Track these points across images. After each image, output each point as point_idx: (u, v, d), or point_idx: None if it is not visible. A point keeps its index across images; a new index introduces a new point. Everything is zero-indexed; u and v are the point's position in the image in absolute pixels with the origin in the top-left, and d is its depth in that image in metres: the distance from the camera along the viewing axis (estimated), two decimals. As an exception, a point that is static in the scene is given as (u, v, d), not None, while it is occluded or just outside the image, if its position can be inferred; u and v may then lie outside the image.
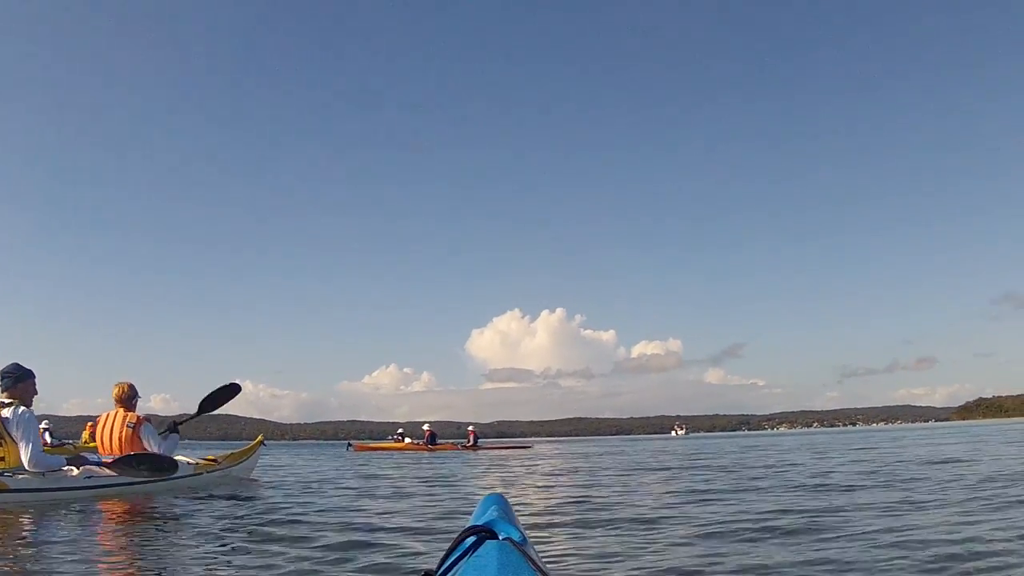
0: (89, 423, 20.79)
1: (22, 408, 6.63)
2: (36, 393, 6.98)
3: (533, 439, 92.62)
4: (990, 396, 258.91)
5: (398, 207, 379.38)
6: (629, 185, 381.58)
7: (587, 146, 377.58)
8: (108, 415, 7.94)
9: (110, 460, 7.49)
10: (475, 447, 31.77)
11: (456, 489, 9.08)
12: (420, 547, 4.18)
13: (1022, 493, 6.31)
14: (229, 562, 3.83)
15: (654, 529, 5.01)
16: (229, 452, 10.42)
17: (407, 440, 32.55)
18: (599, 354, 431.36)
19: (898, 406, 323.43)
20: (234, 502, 7.24)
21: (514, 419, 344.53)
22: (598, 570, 3.62)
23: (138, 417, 7.86)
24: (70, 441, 18.28)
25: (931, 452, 14.91)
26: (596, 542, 4.50)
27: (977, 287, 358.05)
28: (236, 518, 5.87)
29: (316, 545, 4.28)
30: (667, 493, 7.87)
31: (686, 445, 32.80)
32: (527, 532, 1.66)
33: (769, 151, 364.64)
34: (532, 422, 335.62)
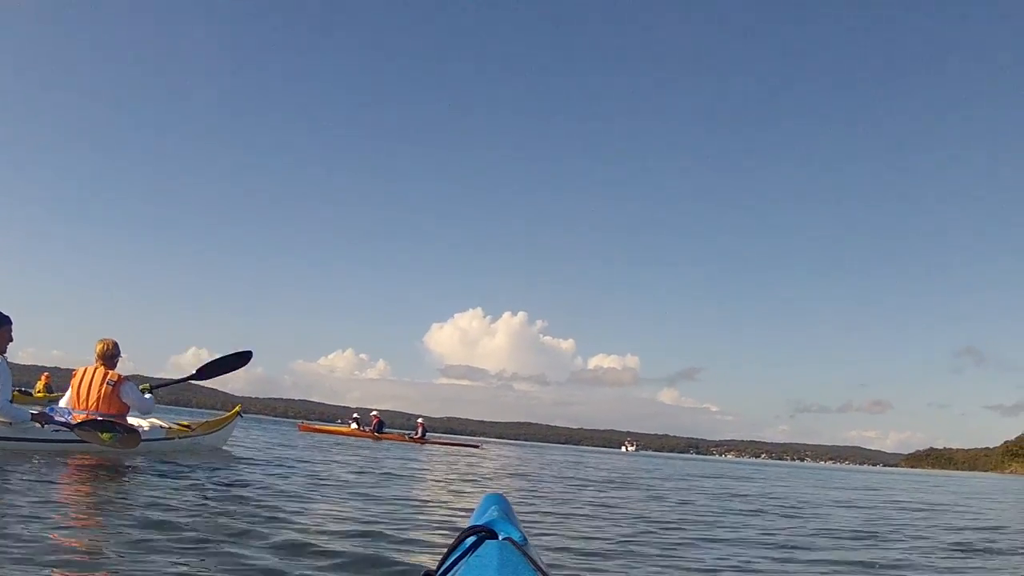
0: (45, 374, 20.52)
1: None
2: (11, 340, 6.90)
3: (481, 439, 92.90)
4: (941, 447, 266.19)
5: (371, 195, 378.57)
6: (603, 198, 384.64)
7: (568, 154, 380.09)
8: (87, 369, 7.84)
9: (82, 415, 7.48)
10: (422, 440, 31.63)
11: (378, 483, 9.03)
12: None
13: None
14: (183, 535, 3.81)
15: (654, 534, 5.19)
16: (204, 420, 10.37)
17: (354, 426, 32.32)
18: (556, 362, 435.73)
19: (848, 447, 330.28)
20: (202, 472, 7.21)
21: (465, 417, 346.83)
22: (598, 570, 3.72)
23: (119, 376, 7.81)
24: (24, 388, 18.10)
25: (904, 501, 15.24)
26: (596, 542, 4.64)
27: (939, 338, 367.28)
28: (200, 488, 5.87)
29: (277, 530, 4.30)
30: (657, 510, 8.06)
31: (653, 465, 33.05)
32: (527, 532, 1.71)
33: (738, 183, 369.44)
34: (482, 421, 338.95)
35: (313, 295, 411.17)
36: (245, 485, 6.53)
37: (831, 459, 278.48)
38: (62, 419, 7.40)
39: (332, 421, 35.67)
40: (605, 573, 3.72)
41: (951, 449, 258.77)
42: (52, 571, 2.83)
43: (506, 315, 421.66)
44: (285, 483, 7.22)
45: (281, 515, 4.89)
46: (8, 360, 6.87)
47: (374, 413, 32.49)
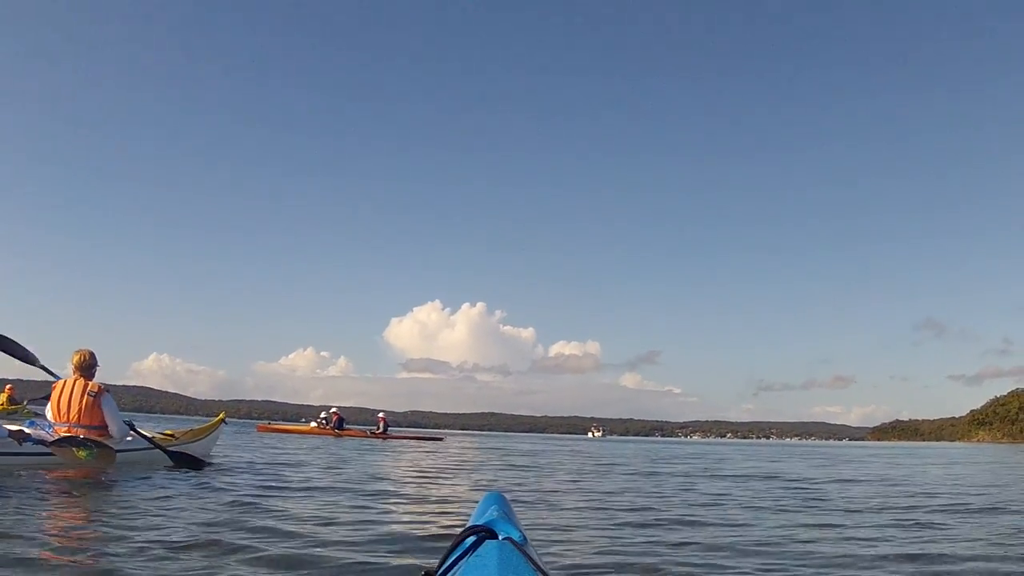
0: (9, 386, 20.01)
1: None
2: None
3: (446, 431, 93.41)
4: (906, 419, 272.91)
5: (322, 193, 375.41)
6: (557, 187, 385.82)
7: (519, 144, 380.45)
8: (66, 382, 7.80)
9: (64, 428, 7.51)
10: (384, 435, 31.55)
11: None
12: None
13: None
14: (173, 550, 3.82)
15: (653, 530, 5.28)
16: (188, 428, 10.30)
17: (313, 424, 32.15)
18: (517, 351, 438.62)
19: (813, 423, 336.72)
20: (187, 481, 7.27)
21: (428, 410, 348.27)
22: (598, 570, 3.81)
23: (99, 387, 7.78)
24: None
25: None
26: (596, 542, 4.71)
27: (899, 311, 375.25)
28: (187, 497, 5.93)
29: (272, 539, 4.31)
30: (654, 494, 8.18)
31: (629, 450, 33.40)
32: (527, 532, 1.76)
33: (691, 166, 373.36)
34: (446, 414, 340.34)
35: (270, 296, 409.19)
36: (232, 491, 6.58)
37: (797, 436, 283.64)
38: (40, 435, 7.40)
39: (296, 420, 35.47)
40: (605, 573, 3.80)
41: (917, 420, 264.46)
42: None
43: (465, 306, 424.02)
44: (269, 487, 7.29)
45: (272, 519, 4.95)
46: None
47: (334, 410, 32.35)
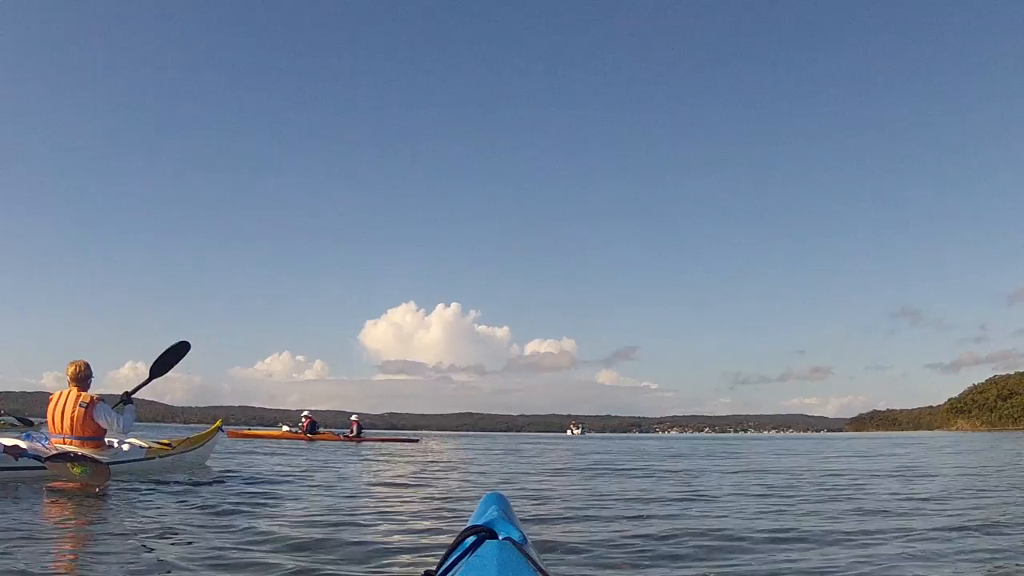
0: None
1: None
2: None
3: (423, 432, 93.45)
4: (884, 409, 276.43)
5: (293, 197, 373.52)
6: (529, 185, 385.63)
7: (488, 143, 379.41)
8: (61, 394, 7.91)
9: (59, 440, 7.66)
10: (358, 438, 31.49)
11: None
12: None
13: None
14: (176, 559, 3.86)
15: (652, 530, 5.36)
16: (185, 437, 10.36)
17: (285, 428, 32.00)
18: (492, 350, 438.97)
19: (791, 415, 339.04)
20: (185, 490, 7.39)
21: (405, 411, 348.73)
22: (598, 570, 3.86)
23: (91, 397, 7.88)
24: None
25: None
26: (596, 542, 4.76)
27: (874, 301, 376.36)
28: (186, 507, 5.99)
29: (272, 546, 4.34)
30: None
31: (614, 447, 33.55)
32: (527, 532, 1.80)
33: (662, 161, 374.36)
34: (423, 415, 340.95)
35: (245, 301, 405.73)
36: (223, 499, 6.68)
37: (774, 428, 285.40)
38: (37, 449, 7.49)
39: (274, 425, 35.27)
40: (605, 572, 3.86)
41: (895, 410, 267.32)
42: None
43: (439, 307, 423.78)
44: (259, 493, 7.42)
45: (266, 524, 5.04)
46: None
47: (305, 414, 32.19)
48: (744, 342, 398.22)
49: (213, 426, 11.02)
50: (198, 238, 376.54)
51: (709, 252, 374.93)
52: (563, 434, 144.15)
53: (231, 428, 33.49)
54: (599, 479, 11.03)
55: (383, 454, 19.78)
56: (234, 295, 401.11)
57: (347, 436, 31.52)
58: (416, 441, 35.01)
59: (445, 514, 6.19)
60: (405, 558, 3.92)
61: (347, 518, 5.68)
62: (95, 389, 8.11)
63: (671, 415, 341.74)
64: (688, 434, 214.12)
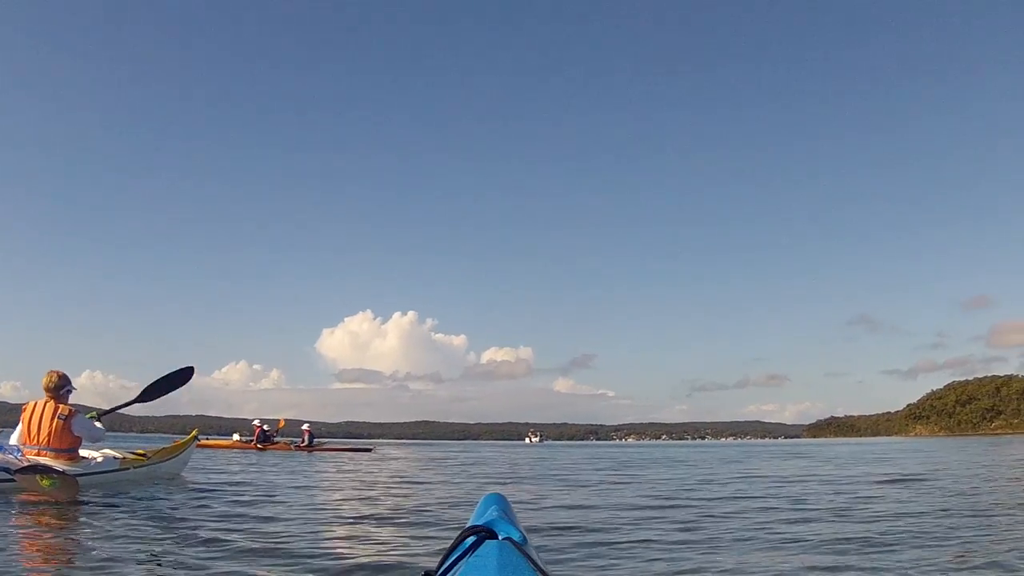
0: None
1: None
2: None
3: (379, 441, 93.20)
4: (842, 415, 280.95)
5: (249, 205, 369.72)
6: (483, 193, 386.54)
7: (443, 151, 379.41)
8: (36, 404, 7.87)
9: (34, 451, 7.63)
10: (309, 447, 31.24)
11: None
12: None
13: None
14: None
15: (652, 531, 5.47)
16: (160, 447, 10.32)
17: (236, 437, 31.62)
18: (449, 358, 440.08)
19: (748, 422, 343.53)
20: (164, 500, 7.44)
21: (362, 420, 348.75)
22: (598, 570, 3.93)
23: (70, 409, 7.88)
24: None
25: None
26: (595, 542, 4.86)
27: (830, 308, 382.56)
28: (167, 519, 6.02)
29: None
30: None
31: (572, 454, 33.65)
32: (527, 532, 1.85)
33: (624, 166, 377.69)
34: (380, 423, 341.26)
35: (202, 308, 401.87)
36: (213, 508, 6.77)
37: (732, 435, 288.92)
38: (7, 461, 7.41)
39: (230, 435, 34.85)
40: (605, 572, 3.93)
41: (853, 416, 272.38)
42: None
43: (396, 315, 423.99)
44: (246, 501, 7.59)
45: (261, 530, 5.14)
46: None
47: (256, 423, 31.79)
48: (701, 349, 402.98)
49: (189, 436, 11.08)
50: (155, 246, 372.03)
51: (666, 260, 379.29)
52: (521, 442, 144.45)
53: (181, 439, 32.91)
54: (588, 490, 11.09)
55: (333, 464, 19.67)
56: (191, 303, 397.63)
57: (298, 445, 31.26)
58: (370, 450, 34.77)
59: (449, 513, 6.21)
60: (405, 558, 3.98)
61: (301, 529, 5.67)
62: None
63: (628, 423, 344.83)
64: (646, 441, 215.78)
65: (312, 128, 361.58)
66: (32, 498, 6.98)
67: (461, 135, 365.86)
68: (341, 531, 5.75)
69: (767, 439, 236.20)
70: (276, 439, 32.24)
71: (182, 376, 9.32)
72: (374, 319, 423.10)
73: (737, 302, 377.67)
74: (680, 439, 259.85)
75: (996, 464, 17.57)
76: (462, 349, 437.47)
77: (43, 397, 7.90)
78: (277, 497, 8.72)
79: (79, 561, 4.01)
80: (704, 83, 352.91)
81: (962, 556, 4.54)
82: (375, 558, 4.15)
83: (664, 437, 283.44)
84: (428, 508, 7.48)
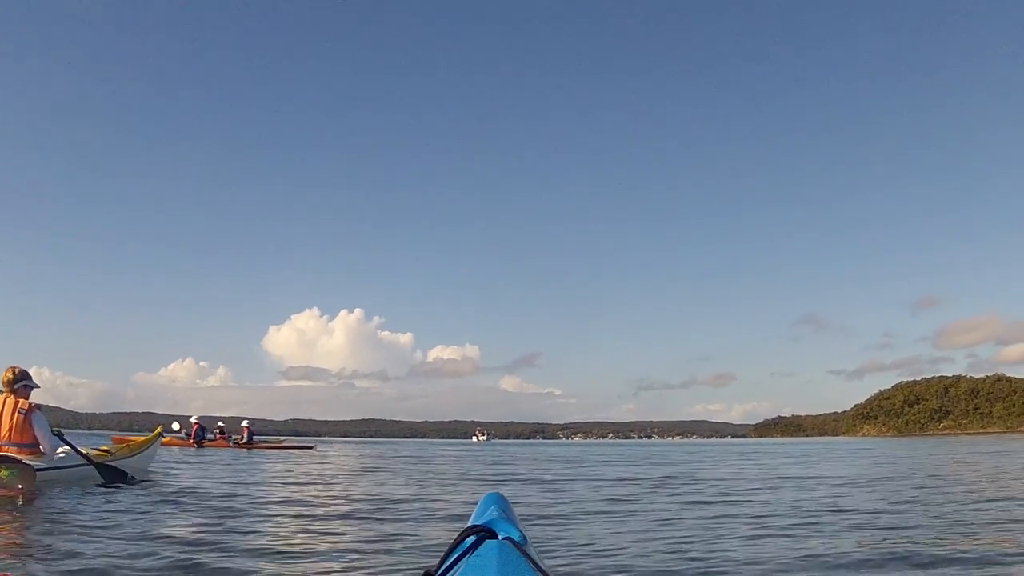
0: None
1: None
2: None
3: (326, 439, 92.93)
4: (788, 415, 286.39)
5: (196, 200, 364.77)
6: (429, 189, 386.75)
7: (390, 148, 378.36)
8: None
9: None
10: (249, 444, 31.05)
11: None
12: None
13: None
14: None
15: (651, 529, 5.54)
16: (124, 443, 10.44)
17: (170, 435, 31.10)
18: (396, 356, 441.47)
19: (694, 421, 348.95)
20: (133, 496, 7.53)
21: (308, 418, 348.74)
22: (598, 570, 3.95)
23: (30, 404, 7.99)
24: None
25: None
26: (595, 542, 4.90)
27: (777, 308, 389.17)
28: (145, 516, 6.04)
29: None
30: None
31: (533, 454, 33.76)
32: (527, 532, 1.85)
33: (564, 165, 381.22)
34: (326, 421, 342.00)
35: (149, 305, 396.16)
36: (181, 506, 6.87)
37: (678, 434, 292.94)
38: None
39: (169, 431, 34.31)
40: (605, 572, 3.96)
41: (799, 416, 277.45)
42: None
43: (342, 313, 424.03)
44: (223, 496, 7.83)
45: (248, 527, 5.22)
46: None
47: (194, 420, 31.42)
48: (648, 349, 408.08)
49: (154, 432, 11.17)
50: (100, 241, 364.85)
51: (613, 259, 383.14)
52: (468, 440, 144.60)
53: (118, 435, 32.56)
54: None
55: (273, 462, 19.54)
56: (137, 299, 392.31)
57: (237, 443, 31.04)
58: (311, 448, 34.52)
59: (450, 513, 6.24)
60: (405, 558, 4.01)
61: (331, 521, 5.72)
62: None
63: (575, 421, 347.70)
64: (592, 440, 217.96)
65: (259, 124, 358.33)
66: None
67: (403, 130, 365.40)
68: (294, 526, 5.71)
69: (714, 438, 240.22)
70: (211, 436, 31.96)
71: (121, 477, 9.17)
72: (321, 316, 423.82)
73: (684, 301, 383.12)
74: (627, 438, 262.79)
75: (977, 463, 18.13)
76: (408, 347, 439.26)
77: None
78: (230, 495, 8.67)
79: (33, 556, 3.99)
80: (644, 79, 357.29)
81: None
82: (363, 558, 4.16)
83: (611, 436, 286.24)
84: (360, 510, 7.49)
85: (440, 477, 13.50)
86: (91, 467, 8.80)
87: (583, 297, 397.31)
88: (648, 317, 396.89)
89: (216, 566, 3.94)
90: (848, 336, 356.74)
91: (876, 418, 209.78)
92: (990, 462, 18.48)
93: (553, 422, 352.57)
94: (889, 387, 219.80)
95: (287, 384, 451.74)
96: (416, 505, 7.71)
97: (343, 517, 6.75)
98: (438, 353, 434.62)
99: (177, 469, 13.84)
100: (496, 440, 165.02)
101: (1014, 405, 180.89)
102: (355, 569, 3.74)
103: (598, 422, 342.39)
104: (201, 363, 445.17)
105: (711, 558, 4.53)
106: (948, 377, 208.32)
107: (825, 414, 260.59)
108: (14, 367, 8.10)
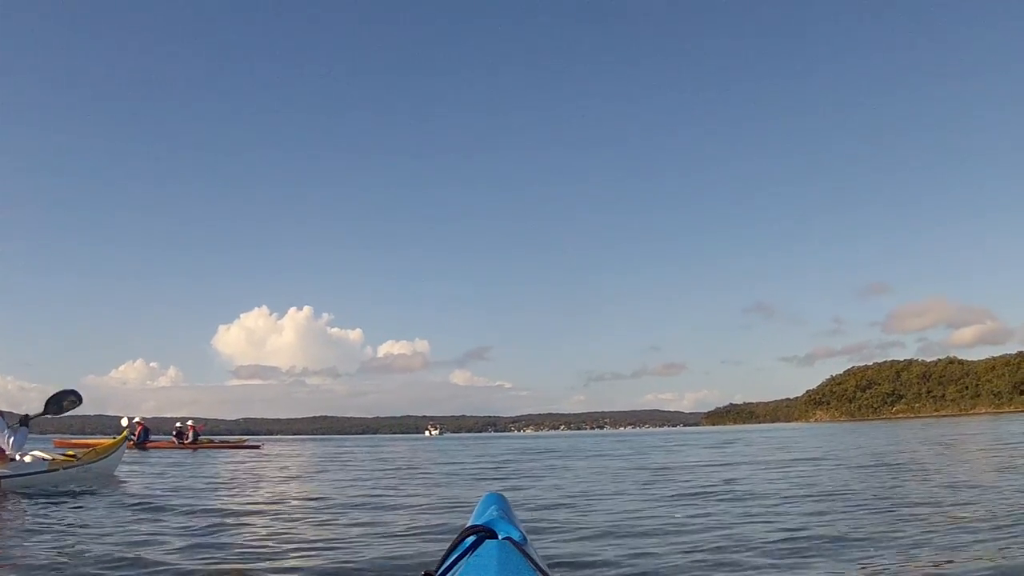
0: None
1: None
2: None
3: (278, 437, 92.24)
4: (740, 402, 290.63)
5: (140, 200, 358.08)
6: (375, 185, 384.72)
7: (331, 145, 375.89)
8: None
9: None
10: (194, 444, 30.73)
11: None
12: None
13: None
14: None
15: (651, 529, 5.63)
16: (90, 448, 10.50)
17: (124, 423, 30.67)
18: (346, 353, 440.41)
19: (646, 410, 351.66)
20: (106, 501, 7.55)
21: (259, 416, 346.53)
22: (598, 569, 4.03)
23: None
24: None
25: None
26: (596, 542, 4.96)
27: (726, 296, 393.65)
28: (122, 521, 6.07)
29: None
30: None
31: (473, 446, 33.77)
32: (527, 532, 1.90)
33: (521, 158, 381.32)
34: (278, 419, 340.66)
35: (97, 306, 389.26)
36: (179, 508, 6.93)
37: (630, 424, 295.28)
38: None
39: (118, 434, 33.70)
40: (605, 572, 4.03)
41: (752, 403, 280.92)
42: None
43: (291, 311, 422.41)
44: (200, 496, 8.00)
45: (241, 528, 5.29)
46: None
47: (137, 420, 30.78)
48: (597, 340, 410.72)
49: (120, 436, 11.31)
50: (45, 241, 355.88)
51: (560, 251, 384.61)
52: (421, 435, 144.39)
53: (59, 438, 32.02)
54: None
55: (217, 463, 19.39)
56: (85, 300, 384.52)
57: (182, 443, 30.64)
58: (258, 447, 34.15)
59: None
60: (405, 558, 4.05)
61: (333, 518, 5.72)
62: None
63: (526, 414, 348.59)
64: (544, 432, 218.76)
65: (201, 122, 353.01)
66: None
67: (353, 128, 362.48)
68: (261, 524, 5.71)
69: (666, 427, 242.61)
70: (154, 437, 31.52)
71: (72, 400, 9.70)
72: (270, 315, 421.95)
73: (632, 292, 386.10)
74: (579, 429, 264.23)
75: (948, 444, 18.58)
76: (358, 343, 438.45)
77: None
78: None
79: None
80: (598, 72, 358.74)
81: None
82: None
83: (562, 427, 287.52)
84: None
85: (411, 472, 13.55)
86: (59, 473, 8.80)
87: (531, 290, 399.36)
88: (597, 308, 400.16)
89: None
90: (798, 323, 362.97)
91: (828, 403, 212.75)
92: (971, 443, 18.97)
93: (505, 415, 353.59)
94: (840, 372, 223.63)
95: (238, 383, 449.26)
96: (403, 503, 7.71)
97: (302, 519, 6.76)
98: (388, 348, 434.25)
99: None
100: (449, 434, 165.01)
101: (967, 387, 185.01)
102: (355, 568, 3.78)
103: (550, 414, 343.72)
104: (151, 364, 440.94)
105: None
106: (900, 361, 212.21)
107: (777, 400, 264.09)
108: None
